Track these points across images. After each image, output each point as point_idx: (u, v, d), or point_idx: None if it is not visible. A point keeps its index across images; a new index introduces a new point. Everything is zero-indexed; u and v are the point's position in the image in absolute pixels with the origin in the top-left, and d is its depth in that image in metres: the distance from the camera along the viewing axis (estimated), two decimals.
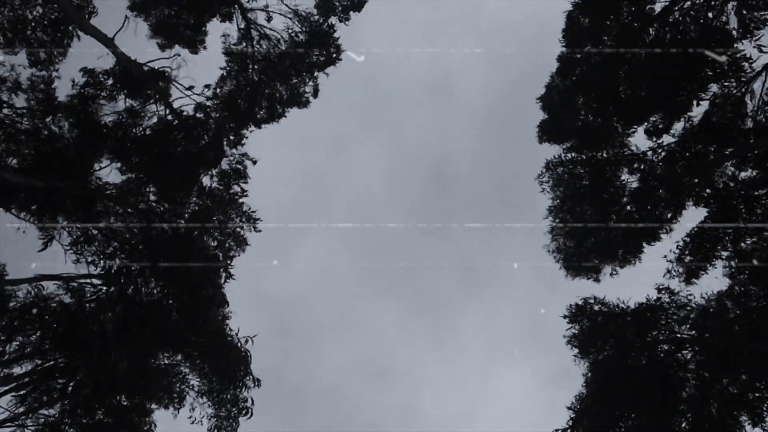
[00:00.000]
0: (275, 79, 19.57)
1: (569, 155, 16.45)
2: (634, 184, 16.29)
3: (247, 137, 18.12)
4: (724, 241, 15.80)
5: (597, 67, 14.57)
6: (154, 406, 18.98)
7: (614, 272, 17.58)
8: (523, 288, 42.85)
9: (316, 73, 20.03)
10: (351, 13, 18.59)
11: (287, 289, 45.40)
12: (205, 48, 20.46)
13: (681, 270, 16.54)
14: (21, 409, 17.43)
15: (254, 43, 19.67)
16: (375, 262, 45.75)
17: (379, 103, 45.43)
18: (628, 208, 16.26)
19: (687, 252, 16.35)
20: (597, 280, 17.81)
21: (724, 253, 15.97)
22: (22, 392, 17.62)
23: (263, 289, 43.27)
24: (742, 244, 15.60)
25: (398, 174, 47.32)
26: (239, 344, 18.32)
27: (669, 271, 16.71)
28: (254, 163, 17.65)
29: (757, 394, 14.65)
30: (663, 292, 16.14)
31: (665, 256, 16.74)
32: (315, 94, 20.60)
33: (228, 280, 18.03)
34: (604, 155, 16.03)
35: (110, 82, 16.29)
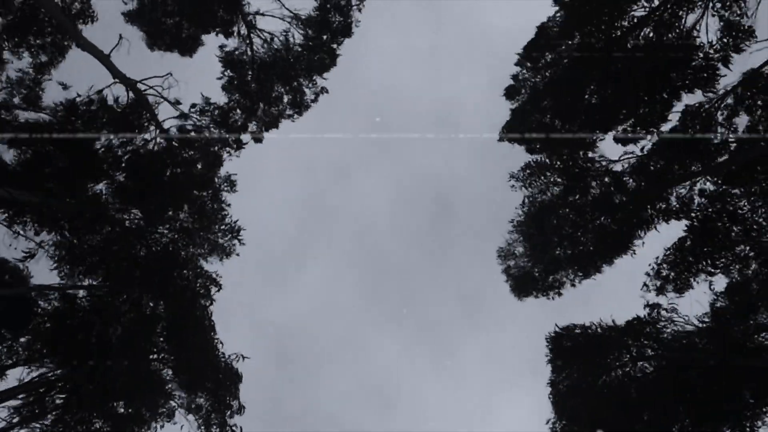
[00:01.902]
0: (273, 83, 19.43)
1: (544, 160, 16.35)
2: (600, 195, 16.16)
3: (237, 156, 18.18)
4: (703, 258, 15.66)
5: (565, 72, 14.52)
6: (150, 415, 19.08)
7: (574, 284, 17.66)
8: (526, 314, 41.98)
9: (315, 77, 19.81)
10: (341, 38, 18.40)
11: (288, 315, 45.58)
12: (196, 54, 20.28)
13: (658, 284, 16.52)
14: (16, 419, 17.80)
15: (253, 50, 19.46)
16: (378, 289, 45.60)
17: (383, 129, 44.92)
18: (594, 223, 16.25)
19: (665, 267, 16.34)
20: (552, 298, 17.88)
21: (704, 268, 15.90)
22: (18, 403, 17.92)
23: (264, 315, 43.54)
24: (721, 261, 15.49)
25: (402, 201, 46.82)
26: (231, 363, 18.35)
27: (646, 285, 16.70)
28: (234, 188, 17.81)
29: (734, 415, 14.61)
30: (654, 308, 16.13)
31: (647, 273, 16.76)
32: (315, 98, 20.42)
33: (213, 287, 18.12)
34: (575, 164, 15.92)
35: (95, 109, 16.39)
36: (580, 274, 17.07)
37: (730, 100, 14.15)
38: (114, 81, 17.92)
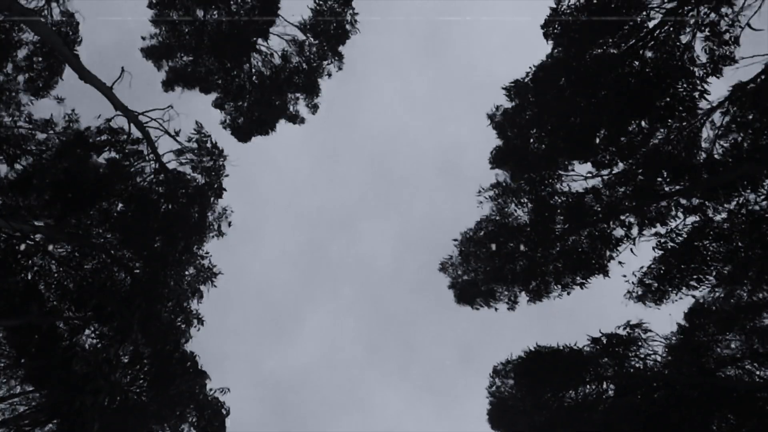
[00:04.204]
0: (269, 93, 19.89)
1: (513, 179, 16.72)
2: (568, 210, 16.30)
3: (220, 198, 18.65)
4: (681, 277, 16.02)
5: (549, 102, 14.84)
6: None
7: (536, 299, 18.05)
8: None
9: (309, 90, 20.38)
10: (338, 44, 18.89)
11: (291, 368, 45.08)
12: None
13: (640, 291, 17.08)
14: None
15: (250, 63, 19.87)
16: (381, 339, 45.06)
17: (386, 176, 45.14)
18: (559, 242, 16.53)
19: (648, 278, 16.72)
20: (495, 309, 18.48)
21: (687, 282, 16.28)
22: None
23: (267, 368, 43.13)
24: (701, 278, 15.86)
25: (405, 249, 46.63)
26: (217, 398, 18.11)
27: (630, 292, 17.21)
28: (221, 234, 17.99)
29: None
30: (635, 328, 16.65)
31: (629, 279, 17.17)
32: (313, 111, 21.05)
33: (196, 322, 18.27)
34: (545, 188, 16.22)
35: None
36: (532, 295, 17.64)
37: (716, 116, 14.45)
38: (116, 113, 18.14)
